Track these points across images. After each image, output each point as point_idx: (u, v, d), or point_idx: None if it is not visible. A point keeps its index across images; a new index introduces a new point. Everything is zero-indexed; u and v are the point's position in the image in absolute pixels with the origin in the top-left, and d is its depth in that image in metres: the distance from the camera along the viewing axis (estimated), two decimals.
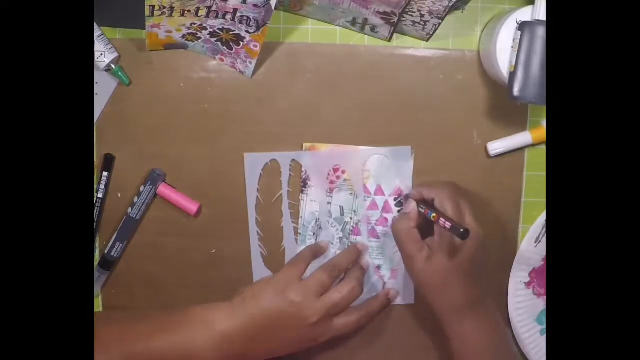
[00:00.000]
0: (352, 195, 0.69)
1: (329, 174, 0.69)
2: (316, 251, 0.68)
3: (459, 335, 0.62)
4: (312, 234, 0.70)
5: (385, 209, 0.70)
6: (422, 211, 0.64)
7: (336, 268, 0.65)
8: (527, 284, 0.71)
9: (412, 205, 0.64)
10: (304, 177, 0.69)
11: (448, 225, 0.60)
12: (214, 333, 0.60)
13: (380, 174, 0.69)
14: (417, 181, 0.69)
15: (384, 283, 0.70)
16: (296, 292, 0.62)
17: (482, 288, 0.63)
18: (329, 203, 0.70)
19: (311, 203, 0.70)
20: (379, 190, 0.69)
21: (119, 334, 0.61)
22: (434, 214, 0.62)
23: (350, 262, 0.68)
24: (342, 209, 0.70)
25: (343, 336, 0.66)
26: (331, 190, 0.69)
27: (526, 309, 0.71)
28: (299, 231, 0.70)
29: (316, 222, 0.70)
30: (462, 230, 0.58)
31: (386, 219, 0.70)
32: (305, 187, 0.69)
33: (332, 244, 0.70)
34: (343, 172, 0.69)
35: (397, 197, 0.69)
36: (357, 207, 0.70)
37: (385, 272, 0.70)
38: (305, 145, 0.69)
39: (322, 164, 0.69)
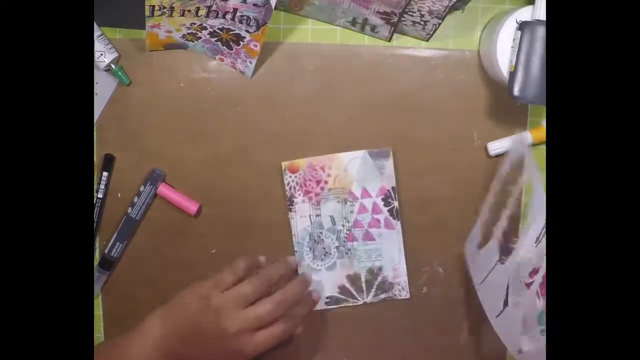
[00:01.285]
0: (340, 203, 0.69)
1: (312, 187, 0.69)
2: (252, 264, 0.65)
3: None
4: (308, 249, 0.70)
5: (375, 210, 0.69)
6: None
7: (263, 281, 0.63)
8: (527, 284, 0.71)
9: None
10: (288, 195, 0.69)
11: None
12: (150, 340, 0.60)
13: (363, 176, 0.69)
14: (407, 181, 0.69)
15: (390, 283, 0.70)
16: (217, 300, 0.60)
17: None
18: (318, 215, 0.69)
19: (301, 219, 0.69)
20: (365, 193, 0.69)
21: None
22: None
23: (279, 275, 0.65)
24: (332, 218, 0.70)
25: (272, 347, 0.62)
26: (318, 203, 0.69)
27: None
28: (295, 249, 0.70)
29: (310, 236, 0.70)
30: None
31: (378, 220, 0.69)
32: (292, 205, 0.69)
33: (330, 254, 0.70)
34: (326, 182, 0.69)
35: (383, 197, 0.69)
36: (346, 214, 0.70)
37: (388, 272, 0.70)
38: (284, 164, 0.69)
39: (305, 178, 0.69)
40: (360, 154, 0.69)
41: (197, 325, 0.60)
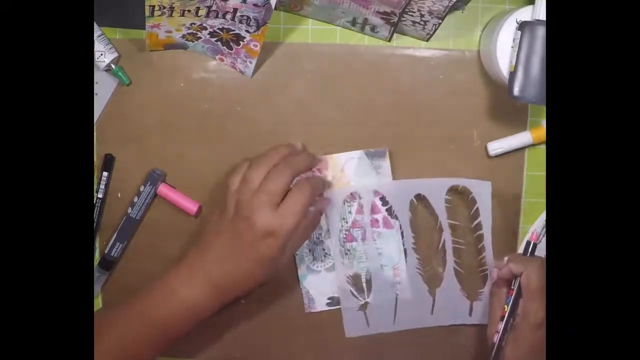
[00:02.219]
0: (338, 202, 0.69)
1: None
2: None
3: None
4: (308, 251, 0.69)
5: (373, 210, 0.69)
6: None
7: (266, 162, 0.62)
8: None
9: (494, 274, 0.64)
10: None
11: (500, 328, 0.61)
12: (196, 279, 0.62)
13: (360, 176, 0.69)
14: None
15: (391, 281, 0.70)
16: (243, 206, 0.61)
17: None
18: None
19: None
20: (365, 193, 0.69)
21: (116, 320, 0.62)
22: (505, 305, 0.62)
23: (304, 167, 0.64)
24: (331, 218, 0.69)
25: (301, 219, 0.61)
26: None
27: None
28: (296, 252, 0.69)
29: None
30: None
31: (376, 220, 0.69)
32: None
33: (330, 255, 0.70)
34: None
35: (381, 196, 0.69)
36: (345, 215, 0.69)
37: (388, 271, 0.70)
38: None
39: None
40: (357, 154, 0.69)
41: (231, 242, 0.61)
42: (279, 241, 0.60)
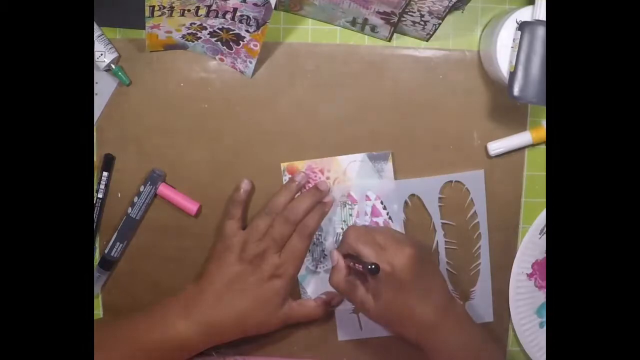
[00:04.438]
0: (339, 206, 0.69)
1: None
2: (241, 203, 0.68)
3: (438, 349, 0.61)
4: (307, 251, 0.69)
5: (374, 213, 0.69)
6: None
7: (271, 211, 0.66)
8: (529, 275, 0.71)
9: (334, 256, 0.64)
10: None
11: (360, 267, 0.60)
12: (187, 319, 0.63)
13: (362, 179, 0.69)
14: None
15: None
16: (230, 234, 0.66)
17: (442, 298, 0.62)
18: None
19: None
20: (365, 197, 0.69)
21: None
22: (350, 263, 0.62)
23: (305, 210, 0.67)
24: (331, 221, 0.70)
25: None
26: None
27: (527, 300, 0.71)
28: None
29: None
30: (370, 267, 0.57)
31: (377, 224, 0.69)
32: None
33: (329, 257, 0.70)
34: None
35: (382, 201, 0.69)
36: (346, 217, 0.69)
37: None
38: (284, 165, 0.69)
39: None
40: (359, 157, 0.69)
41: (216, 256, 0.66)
42: (283, 281, 0.65)
